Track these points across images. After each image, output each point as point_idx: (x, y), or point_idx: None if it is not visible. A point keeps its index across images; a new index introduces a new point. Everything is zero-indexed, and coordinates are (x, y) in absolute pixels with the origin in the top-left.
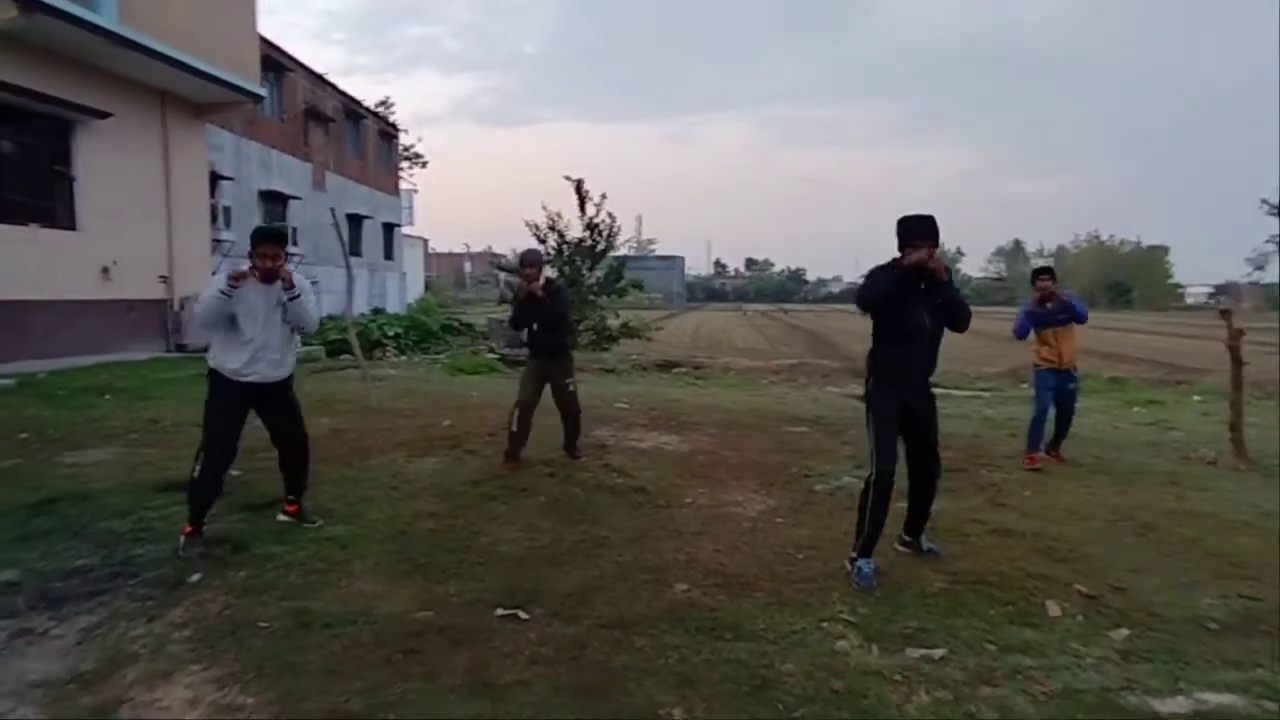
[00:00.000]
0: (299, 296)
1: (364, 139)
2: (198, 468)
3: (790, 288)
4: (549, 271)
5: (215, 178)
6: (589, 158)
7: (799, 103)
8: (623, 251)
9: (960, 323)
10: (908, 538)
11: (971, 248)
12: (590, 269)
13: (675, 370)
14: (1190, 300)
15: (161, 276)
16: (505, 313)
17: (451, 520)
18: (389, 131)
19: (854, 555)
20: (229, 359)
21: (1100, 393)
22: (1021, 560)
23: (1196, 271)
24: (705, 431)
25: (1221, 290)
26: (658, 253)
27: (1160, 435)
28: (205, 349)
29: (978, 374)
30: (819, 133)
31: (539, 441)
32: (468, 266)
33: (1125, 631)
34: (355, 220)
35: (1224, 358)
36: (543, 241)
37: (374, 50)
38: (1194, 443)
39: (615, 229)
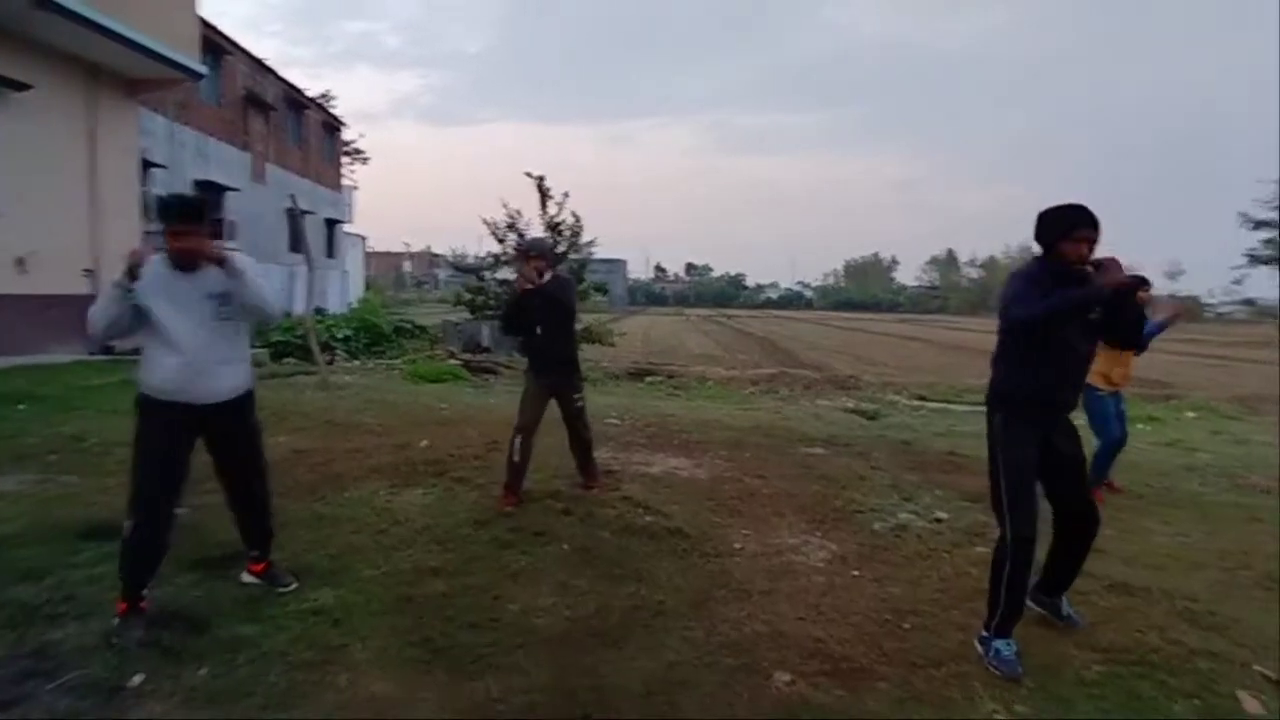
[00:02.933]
0: (241, 276)
1: (306, 130)
2: (130, 525)
3: (730, 293)
4: (506, 273)
5: (146, 165)
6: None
7: (738, 110)
8: (587, 253)
9: (1133, 339)
10: (1045, 598)
11: (905, 257)
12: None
13: (649, 379)
14: None
15: (86, 270)
16: (461, 315)
17: (464, 579)
18: (332, 124)
19: (985, 634)
20: (155, 375)
21: None
22: (1168, 629)
23: None
24: (716, 454)
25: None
26: (599, 255)
27: (1189, 458)
28: (138, 351)
29: (964, 386)
30: (757, 140)
31: (534, 466)
32: (407, 266)
33: None
34: (295, 215)
35: (1178, 369)
36: (501, 241)
37: (311, 43)
38: (1229, 467)
39: (578, 228)
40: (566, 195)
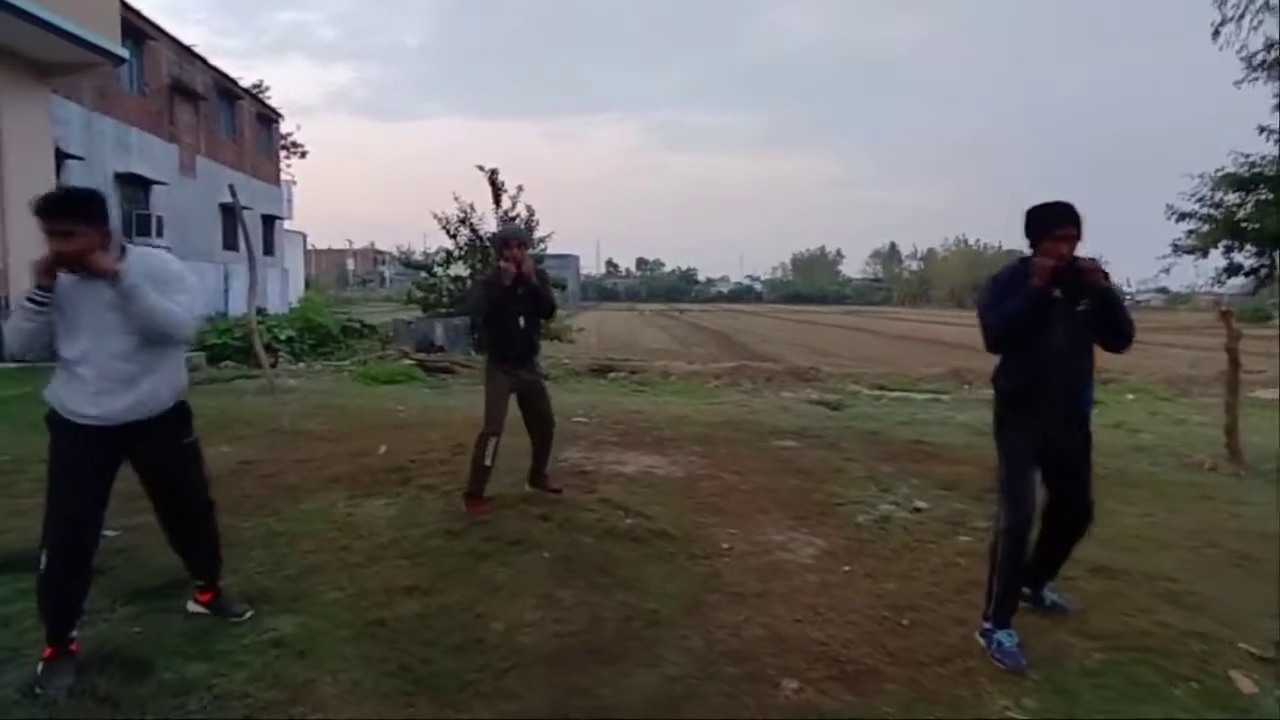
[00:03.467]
0: (133, 288)
1: (240, 122)
2: (45, 556)
3: (681, 288)
4: (459, 268)
5: (61, 156)
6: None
7: (683, 108)
8: (542, 248)
9: (1120, 341)
10: (1025, 590)
11: (850, 251)
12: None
13: (611, 376)
14: None
15: None
16: (412, 313)
17: (441, 596)
18: (268, 115)
19: (987, 625)
20: (61, 391)
21: None
22: (1154, 611)
23: None
24: (689, 450)
25: None
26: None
27: (1135, 439)
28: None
29: (919, 375)
30: (703, 138)
31: (504, 469)
32: (350, 264)
33: None
34: (230, 211)
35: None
36: (453, 236)
37: (240, 34)
38: (1173, 446)
39: (534, 223)
40: (520, 189)
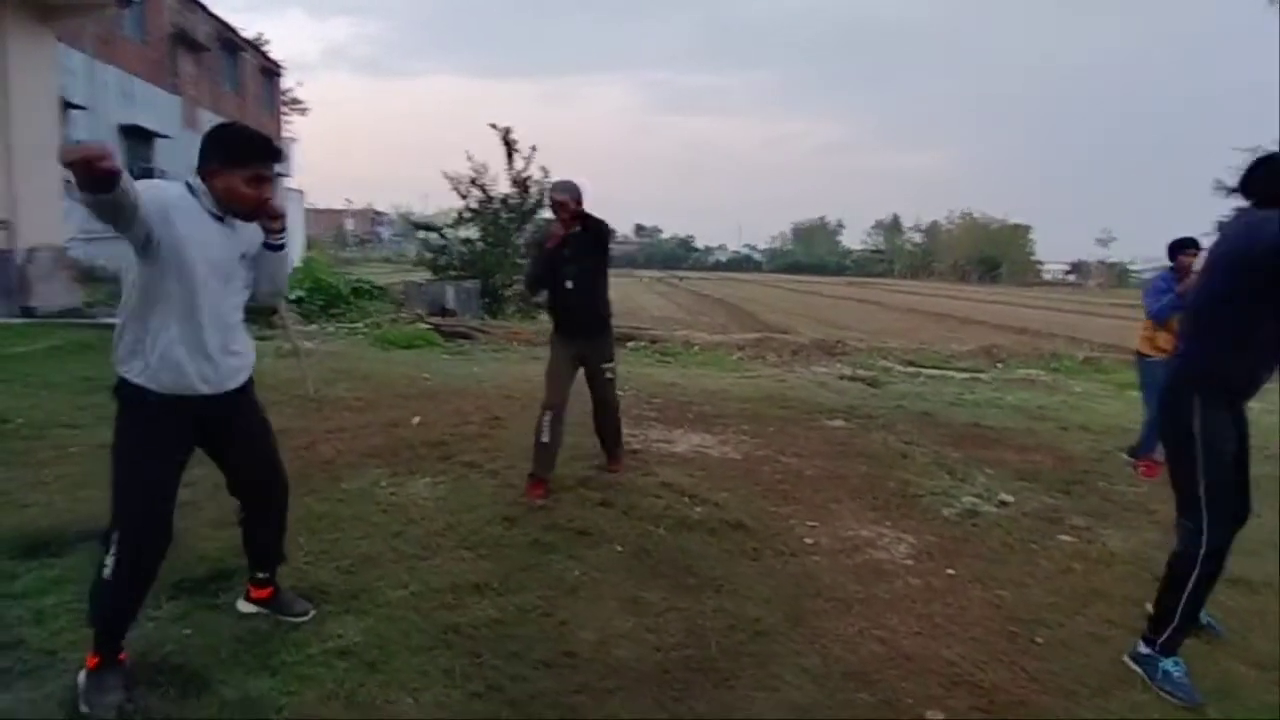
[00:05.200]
0: (284, 245)
1: (242, 74)
2: (110, 561)
3: (680, 255)
4: (470, 232)
5: (65, 106)
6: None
7: (678, 68)
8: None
9: None
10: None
11: (850, 221)
12: (518, 228)
13: (631, 345)
14: (1048, 276)
15: (0, 221)
16: (422, 274)
17: (515, 597)
18: (271, 69)
19: (1146, 650)
20: (158, 356)
21: (1082, 374)
22: None
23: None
24: (738, 428)
25: (1075, 267)
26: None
27: None
28: (72, 315)
29: (950, 353)
30: (698, 99)
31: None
32: (349, 224)
33: None
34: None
35: (1126, 333)
36: (464, 197)
37: None
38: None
39: (547, 185)
40: (534, 149)
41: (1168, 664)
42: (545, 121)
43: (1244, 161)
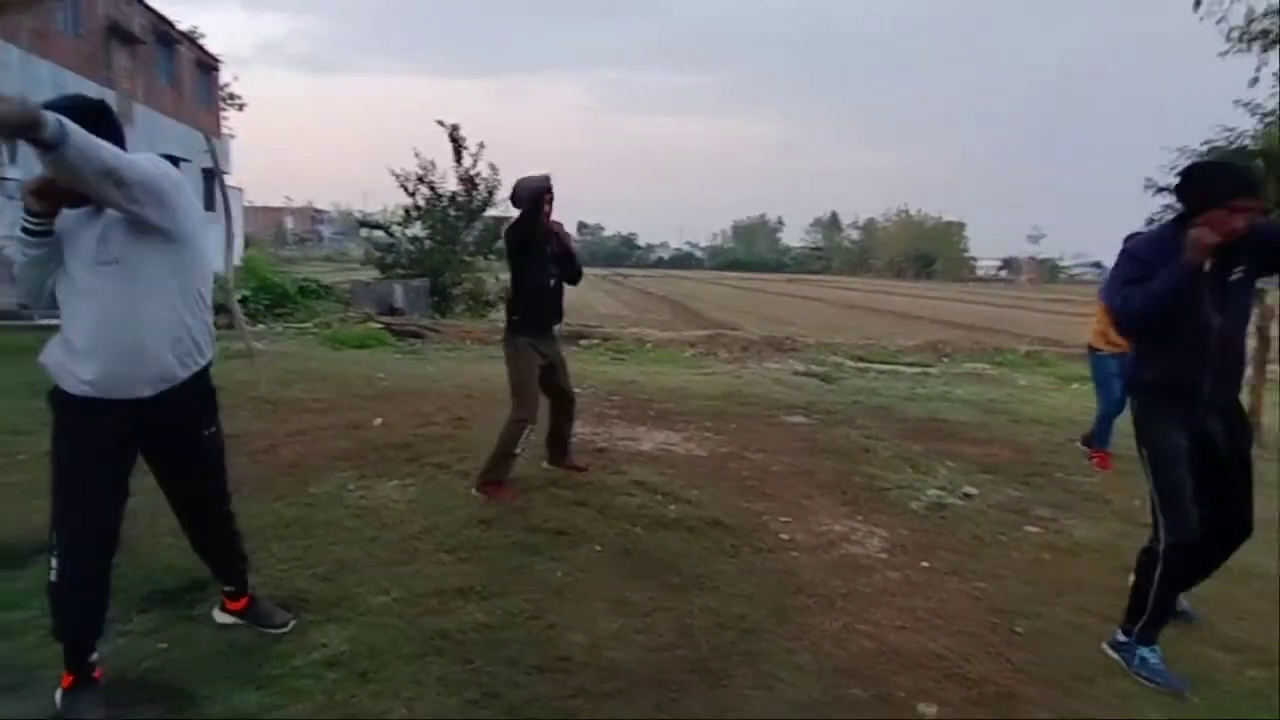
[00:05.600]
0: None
1: (179, 68)
2: (55, 565)
3: (623, 252)
4: (418, 230)
5: None
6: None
7: (629, 68)
8: (503, 209)
9: None
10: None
11: (790, 219)
12: (466, 226)
13: (583, 342)
14: (981, 272)
15: None
16: (370, 273)
17: (501, 601)
18: (208, 63)
19: (1123, 638)
20: (72, 358)
21: (1025, 368)
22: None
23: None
24: (700, 425)
25: (1007, 264)
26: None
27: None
28: (9, 317)
29: (897, 348)
30: (648, 99)
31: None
32: (289, 222)
33: None
34: (175, 164)
35: (1066, 329)
36: (412, 194)
37: None
38: None
39: (495, 182)
40: (482, 146)
41: (1145, 651)
42: (495, 120)
43: (1172, 160)
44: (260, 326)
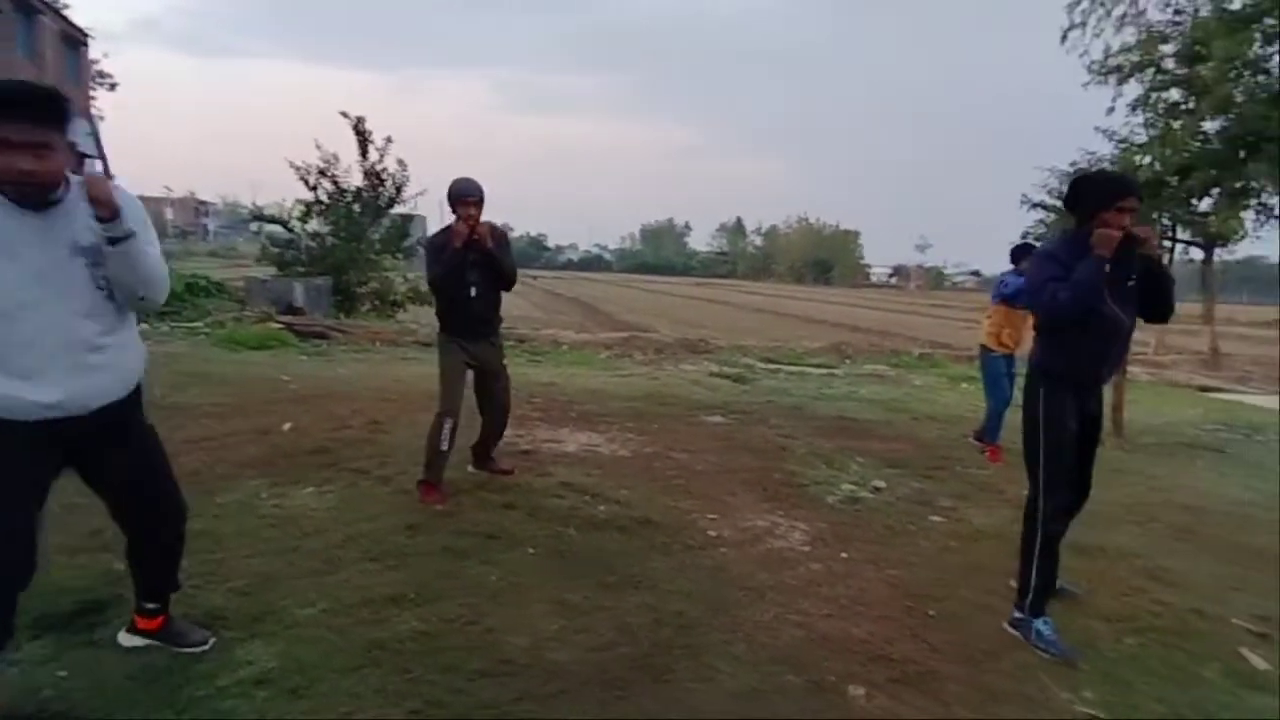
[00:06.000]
0: (129, 237)
1: (40, 41)
2: None
3: (531, 253)
4: (319, 225)
5: None
6: (309, 101)
7: (533, 68)
8: (410, 206)
9: (1166, 310)
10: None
11: (697, 223)
12: (372, 223)
13: None
14: (874, 278)
15: None
16: (266, 270)
17: (435, 607)
18: (75, 37)
19: (1019, 615)
20: (9, 381)
21: (919, 369)
22: (1147, 590)
23: (877, 253)
24: (623, 426)
25: (897, 271)
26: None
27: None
28: None
29: (803, 350)
30: (553, 100)
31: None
32: (169, 214)
33: None
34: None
35: (950, 333)
36: (313, 189)
37: None
38: None
39: (403, 179)
40: (389, 140)
41: (1039, 624)
42: (394, 114)
43: (1044, 180)
44: (144, 326)
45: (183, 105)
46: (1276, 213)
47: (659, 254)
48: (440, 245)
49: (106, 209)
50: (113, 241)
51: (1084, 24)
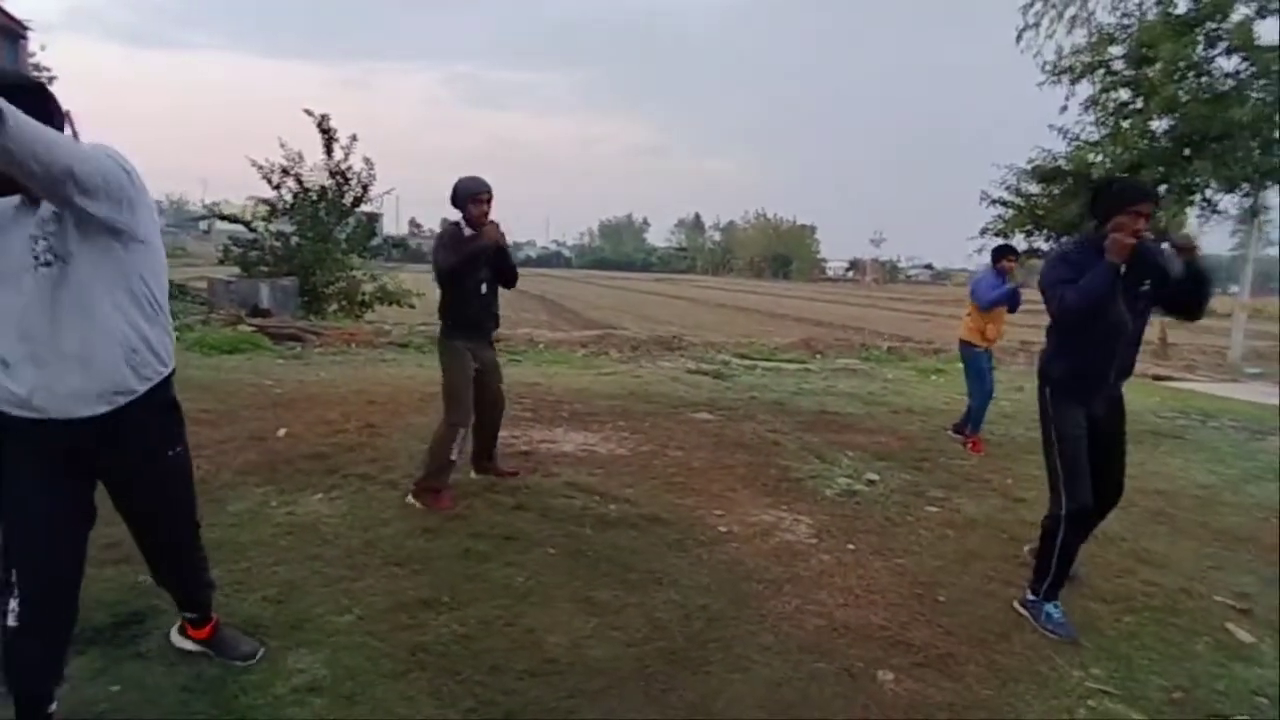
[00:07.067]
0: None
1: None
2: (15, 607)
3: None
4: (283, 225)
5: None
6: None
7: (484, 62)
8: (377, 205)
9: (1199, 312)
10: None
11: (655, 219)
12: (339, 222)
13: None
14: (831, 272)
15: None
16: (227, 270)
17: (470, 610)
18: (13, 29)
19: (1031, 598)
20: (4, 373)
21: (889, 363)
22: (1137, 572)
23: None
24: (614, 425)
25: (853, 265)
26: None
27: (996, 406)
28: None
29: (775, 346)
30: (506, 95)
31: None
32: None
33: None
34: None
35: (905, 325)
36: (276, 188)
37: None
38: (1029, 413)
39: (369, 177)
40: (354, 138)
41: (1049, 608)
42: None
43: (1001, 176)
44: None
45: (124, 100)
46: (1219, 208)
47: (618, 250)
48: (459, 238)
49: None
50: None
51: (1037, 25)
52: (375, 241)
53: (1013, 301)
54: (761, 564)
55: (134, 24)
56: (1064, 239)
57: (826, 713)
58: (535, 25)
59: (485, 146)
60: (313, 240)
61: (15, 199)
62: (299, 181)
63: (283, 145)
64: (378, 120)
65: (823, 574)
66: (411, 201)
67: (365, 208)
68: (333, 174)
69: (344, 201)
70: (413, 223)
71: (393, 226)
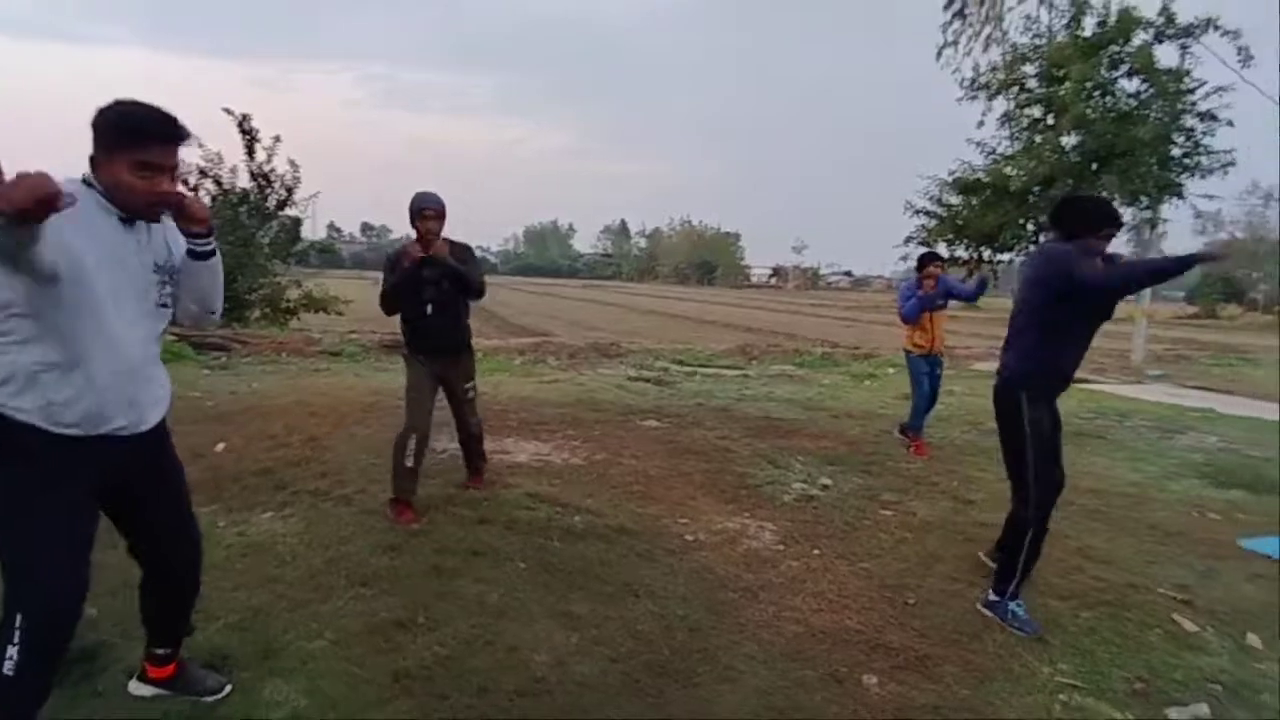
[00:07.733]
0: (213, 251)
1: None
2: (14, 653)
3: None
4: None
5: None
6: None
7: (400, 63)
8: (303, 210)
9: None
10: (999, 554)
11: (581, 225)
12: (262, 227)
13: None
14: (754, 279)
15: None
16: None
17: (447, 629)
18: None
19: (995, 598)
20: (55, 391)
21: (823, 368)
22: (1085, 569)
23: (756, 254)
24: (565, 434)
25: (776, 271)
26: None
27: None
28: None
29: (712, 352)
30: (424, 97)
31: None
32: None
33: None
34: None
35: (833, 330)
36: (193, 190)
37: None
38: (959, 413)
39: (294, 180)
40: (278, 139)
41: (1014, 606)
42: (256, 108)
43: (926, 187)
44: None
45: (22, 94)
46: (1124, 221)
47: (544, 256)
48: (394, 260)
49: (204, 224)
50: (207, 256)
51: (955, 43)
52: (299, 247)
53: (971, 295)
54: (733, 572)
55: (20, 14)
56: (982, 247)
57: (819, 718)
58: (450, 27)
59: (404, 149)
60: (233, 245)
61: (116, 219)
62: (218, 184)
63: (200, 145)
64: (293, 120)
65: (794, 580)
66: (327, 205)
67: (290, 211)
68: (254, 176)
69: (267, 205)
70: (331, 226)
71: (310, 230)
